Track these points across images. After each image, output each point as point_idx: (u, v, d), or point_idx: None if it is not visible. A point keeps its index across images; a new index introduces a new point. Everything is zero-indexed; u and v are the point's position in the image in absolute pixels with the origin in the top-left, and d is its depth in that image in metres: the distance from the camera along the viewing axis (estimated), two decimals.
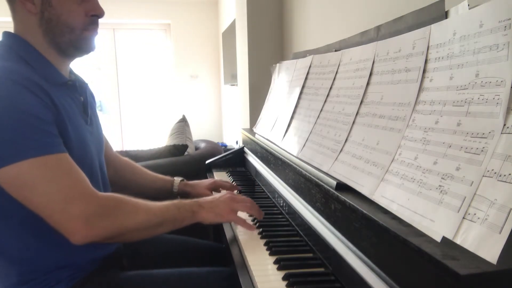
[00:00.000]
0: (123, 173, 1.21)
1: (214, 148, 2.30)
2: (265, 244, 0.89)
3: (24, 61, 0.83)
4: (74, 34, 0.88)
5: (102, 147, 1.04)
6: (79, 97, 0.95)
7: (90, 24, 0.90)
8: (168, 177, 1.26)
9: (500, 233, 0.41)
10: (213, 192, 1.24)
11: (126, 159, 1.25)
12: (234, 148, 1.86)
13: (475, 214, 0.46)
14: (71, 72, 0.99)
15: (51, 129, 0.78)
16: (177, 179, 1.25)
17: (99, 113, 1.11)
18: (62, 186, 0.76)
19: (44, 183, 0.75)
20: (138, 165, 1.26)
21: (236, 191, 1.28)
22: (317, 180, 0.82)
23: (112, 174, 1.15)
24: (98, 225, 0.78)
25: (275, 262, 0.80)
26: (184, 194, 1.24)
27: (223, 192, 1.13)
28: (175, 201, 0.92)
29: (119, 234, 0.82)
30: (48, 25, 0.86)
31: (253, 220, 1.04)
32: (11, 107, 0.74)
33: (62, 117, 0.83)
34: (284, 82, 1.46)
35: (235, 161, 1.71)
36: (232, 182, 1.43)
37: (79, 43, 0.90)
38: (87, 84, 1.03)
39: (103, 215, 0.79)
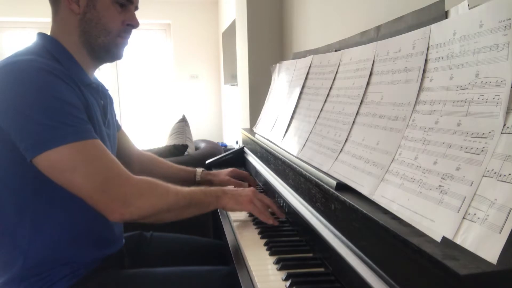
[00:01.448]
0: (149, 168, 1.26)
1: (214, 148, 2.30)
2: (265, 244, 0.89)
3: (55, 59, 0.88)
4: (108, 37, 0.94)
5: (115, 151, 1.08)
6: (100, 100, 1.00)
7: (124, 32, 0.97)
8: (190, 168, 1.32)
9: (500, 233, 0.41)
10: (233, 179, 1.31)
11: (149, 153, 1.30)
12: (234, 148, 1.86)
13: (475, 214, 0.46)
14: (94, 78, 1.04)
15: (84, 116, 0.84)
16: (199, 170, 1.32)
17: None
18: (101, 169, 0.82)
19: (85, 166, 0.80)
20: (160, 158, 1.32)
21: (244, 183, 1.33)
22: (317, 180, 0.82)
23: (138, 169, 1.20)
24: (134, 205, 0.84)
25: (275, 262, 0.80)
26: (207, 182, 1.30)
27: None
28: (202, 187, 0.98)
29: (152, 213, 0.87)
30: (87, 25, 0.93)
31: (253, 220, 1.04)
32: (49, 95, 0.79)
33: (90, 111, 0.89)
34: (284, 82, 1.46)
35: (235, 161, 1.71)
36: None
37: (111, 48, 0.96)
38: (107, 90, 1.09)
39: (139, 195, 0.85)
